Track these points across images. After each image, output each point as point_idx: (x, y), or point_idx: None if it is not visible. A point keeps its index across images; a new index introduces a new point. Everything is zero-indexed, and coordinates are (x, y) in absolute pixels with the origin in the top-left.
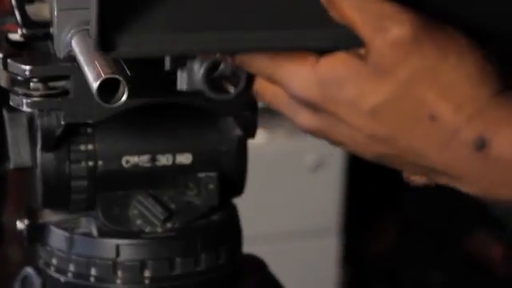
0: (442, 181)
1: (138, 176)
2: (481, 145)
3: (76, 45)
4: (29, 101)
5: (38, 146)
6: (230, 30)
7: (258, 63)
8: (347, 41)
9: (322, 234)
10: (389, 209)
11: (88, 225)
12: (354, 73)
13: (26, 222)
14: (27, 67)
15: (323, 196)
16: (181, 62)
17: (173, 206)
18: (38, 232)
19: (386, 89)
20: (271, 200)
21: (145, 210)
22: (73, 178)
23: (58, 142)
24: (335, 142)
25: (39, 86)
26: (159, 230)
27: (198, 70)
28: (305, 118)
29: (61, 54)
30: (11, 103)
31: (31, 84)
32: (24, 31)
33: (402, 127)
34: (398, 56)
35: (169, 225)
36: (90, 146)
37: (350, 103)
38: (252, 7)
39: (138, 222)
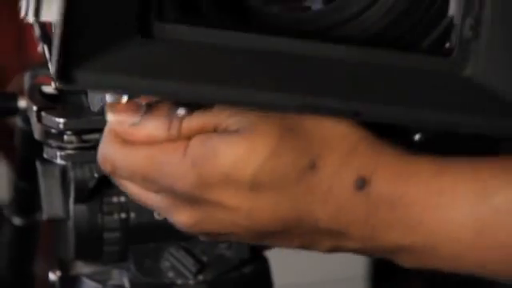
0: (328, 243)
1: (170, 228)
2: (361, 184)
3: (109, 99)
4: (63, 153)
5: (71, 198)
6: (192, 80)
7: (132, 163)
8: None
9: (350, 282)
10: None
11: (120, 277)
12: (226, 140)
13: (59, 273)
14: (61, 120)
15: None
16: None
17: (204, 259)
18: (70, 284)
19: (262, 150)
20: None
21: (177, 263)
22: (105, 229)
23: (91, 193)
24: (218, 235)
25: (73, 138)
26: (191, 282)
27: None
28: (183, 215)
29: (95, 107)
30: (45, 155)
31: (65, 137)
32: (57, 84)
33: (283, 186)
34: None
35: (200, 277)
36: (123, 198)
37: (227, 177)
38: (223, 61)
39: (170, 274)
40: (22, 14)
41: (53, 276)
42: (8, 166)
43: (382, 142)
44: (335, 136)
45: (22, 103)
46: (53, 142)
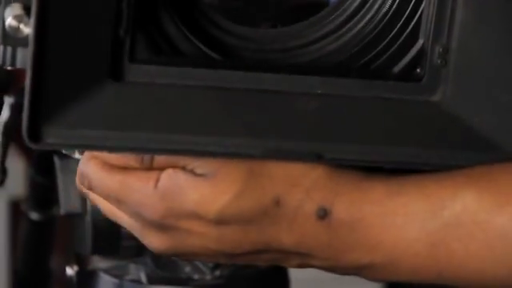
0: (295, 261)
1: None
2: (323, 214)
3: None
4: None
5: None
6: (162, 130)
7: (107, 186)
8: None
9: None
10: None
11: (137, 271)
12: (193, 181)
13: (76, 268)
14: None
15: None
16: None
17: None
18: (87, 279)
19: (227, 191)
20: None
21: None
22: None
23: None
24: (189, 255)
25: None
26: (208, 277)
27: None
28: (154, 239)
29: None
30: (63, 150)
31: None
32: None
33: (249, 220)
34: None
35: (217, 272)
36: None
37: (193, 212)
38: (193, 105)
39: (187, 269)
40: (0, 61)
41: (70, 271)
42: (25, 161)
43: (339, 172)
44: (296, 174)
45: None
46: None
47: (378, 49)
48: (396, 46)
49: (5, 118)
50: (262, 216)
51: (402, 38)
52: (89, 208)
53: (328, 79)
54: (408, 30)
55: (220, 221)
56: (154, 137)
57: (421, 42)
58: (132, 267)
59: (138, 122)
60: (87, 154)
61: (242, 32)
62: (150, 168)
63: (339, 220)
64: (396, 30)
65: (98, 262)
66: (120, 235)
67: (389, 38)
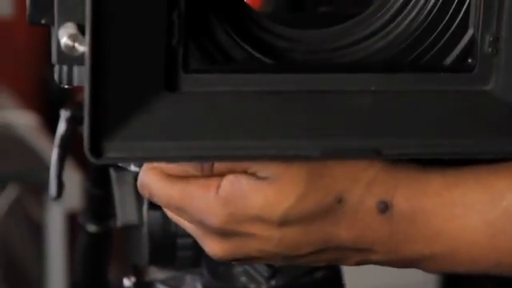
0: (354, 258)
1: None
2: (383, 208)
3: None
4: None
5: (145, 205)
6: (220, 138)
7: (167, 194)
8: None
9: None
10: None
11: (193, 282)
12: (256, 185)
13: (133, 279)
14: None
15: None
16: None
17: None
18: None
19: (291, 194)
20: None
21: (249, 268)
22: (179, 235)
23: None
24: (247, 260)
25: None
26: (263, 287)
27: None
28: (215, 246)
29: None
30: (119, 163)
31: None
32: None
33: (312, 220)
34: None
35: (273, 282)
36: None
37: (257, 216)
38: (249, 111)
39: (243, 279)
40: (56, 79)
41: (127, 282)
42: (81, 174)
43: (396, 166)
44: (356, 170)
45: None
46: None
47: (427, 43)
48: (446, 37)
49: (61, 131)
50: (324, 215)
51: (452, 29)
52: (145, 220)
53: (379, 75)
54: (457, 21)
55: (283, 223)
56: (214, 144)
57: (470, 32)
58: (188, 278)
59: (196, 131)
60: (147, 164)
61: (291, 35)
62: (210, 175)
63: (400, 212)
64: (444, 22)
65: (155, 273)
66: (176, 246)
67: (438, 31)
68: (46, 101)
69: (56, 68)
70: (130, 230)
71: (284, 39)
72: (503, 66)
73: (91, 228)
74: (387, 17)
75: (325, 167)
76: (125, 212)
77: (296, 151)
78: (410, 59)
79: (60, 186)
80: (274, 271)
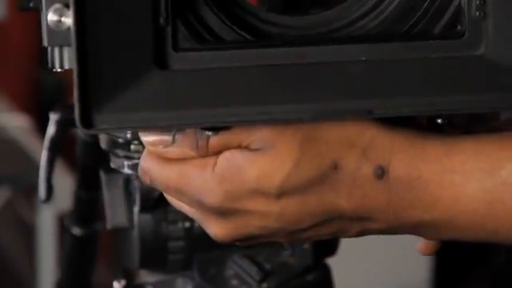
0: (355, 229)
1: None
2: (380, 173)
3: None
4: (130, 163)
5: (136, 207)
6: (210, 106)
7: (166, 177)
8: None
9: None
10: (479, 264)
11: (184, 285)
12: (250, 157)
13: (123, 282)
14: None
15: (413, 253)
16: None
17: (268, 266)
18: None
19: (286, 161)
20: (362, 258)
21: (240, 271)
22: (170, 238)
23: (156, 203)
24: (250, 239)
25: (140, 148)
26: None
27: None
28: (216, 227)
29: None
30: (112, 165)
31: (132, 146)
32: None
33: (309, 188)
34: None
35: (264, 285)
36: None
37: (255, 190)
38: (237, 82)
39: (234, 282)
40: (49, 64)
41: (117, 285)
42: (72, 176)
43: (394, 131)
44: (352, 135)
45: None
46: (120, 152)
47: (417, 15)
48: (434, 7)
49: (51, 133)
50: (321, 183)
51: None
52: (136, 223)
53: (370, 46)
54: None
55: (282, 194)
56: (204, 112)
57: None
58: (179, 281)
59: (185, 102)
60: (146, 150)
61: (281, 21)
62: (205, 155)
63: (397, 178)
64: None
65: (146, 277)
66: (167, 249)
67: (427, 2)
68: (39, 103)
69: (48, 52)
70: (120, 232)
71: (275, 25)
72: (492, 30)
73: (76, 231)
74: None
75: (319, 133)
76: (115, 215)
77: (286, 115)
78: (402, 31)
79: (49, 188)
80: (266, 274)
